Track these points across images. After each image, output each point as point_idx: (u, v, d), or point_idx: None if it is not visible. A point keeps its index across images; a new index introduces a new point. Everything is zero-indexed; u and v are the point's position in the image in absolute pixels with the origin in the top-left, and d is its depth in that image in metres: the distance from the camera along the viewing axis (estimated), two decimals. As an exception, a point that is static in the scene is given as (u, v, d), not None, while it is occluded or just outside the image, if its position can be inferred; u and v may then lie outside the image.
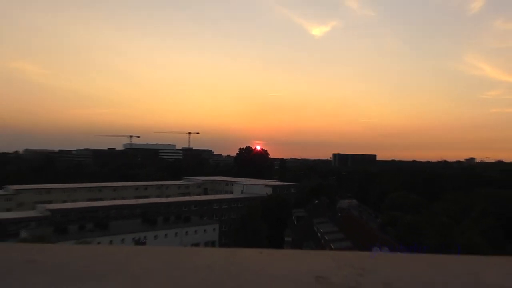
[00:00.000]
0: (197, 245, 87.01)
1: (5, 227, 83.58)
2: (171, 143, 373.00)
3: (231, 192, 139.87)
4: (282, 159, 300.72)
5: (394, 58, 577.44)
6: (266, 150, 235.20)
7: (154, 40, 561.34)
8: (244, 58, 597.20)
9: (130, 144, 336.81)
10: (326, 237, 75.54)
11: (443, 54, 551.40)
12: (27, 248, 3.66)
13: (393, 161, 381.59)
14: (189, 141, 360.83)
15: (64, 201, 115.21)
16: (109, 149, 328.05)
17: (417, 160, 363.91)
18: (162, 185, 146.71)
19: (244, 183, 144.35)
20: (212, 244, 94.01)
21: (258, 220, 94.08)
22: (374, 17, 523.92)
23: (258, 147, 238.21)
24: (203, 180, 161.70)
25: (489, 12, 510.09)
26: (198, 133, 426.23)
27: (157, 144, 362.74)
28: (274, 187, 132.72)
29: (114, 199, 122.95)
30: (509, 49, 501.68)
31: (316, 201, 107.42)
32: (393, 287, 2.36)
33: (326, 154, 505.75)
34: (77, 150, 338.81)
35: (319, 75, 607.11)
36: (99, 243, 67.67)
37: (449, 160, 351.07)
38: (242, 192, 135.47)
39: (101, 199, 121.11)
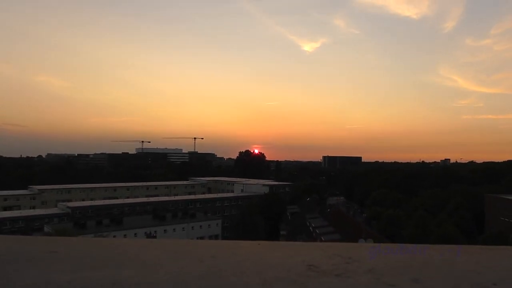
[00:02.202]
0: (202, 238, 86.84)
1: (30, 222, 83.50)
2: (178, 148, 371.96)
3: (232, 191, 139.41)
4: (277, 161, 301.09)
5: (377, 71, 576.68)
6: (263, 153, 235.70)
7: (163, 56, 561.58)
8: (243, 71, 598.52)
9: (142, 148, 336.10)
10: (317, 231, 75.47)
11: (421, 68, 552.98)
12: (50, 240, 3.67)
13: (376, 162, 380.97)
14: (194, 145, 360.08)
15: (83, 200, 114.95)
16: (123, 153, 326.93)
17: (398, 161, 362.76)
18: (170, 185, 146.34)
19: (244, 183, 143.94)
20: (215, 237, 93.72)
21: (257, 216, 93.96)
22: (359, 35, 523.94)
23: (256, 151, 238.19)
24: (207, 180, 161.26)
25: (461, 31, 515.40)
26: (202, 138, 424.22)
27: (165, 148, 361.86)
28: (270, 186, 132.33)
29: (128, 197, 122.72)
30: (478, 63, 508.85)
31: (308, 199, 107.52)
32: (375, 273, 2.37)
33: (316, 157, 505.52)
34: (94, 154, 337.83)
35: (310, 86, 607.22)
36: (114, 236, 67.50)
37: (426, 161, 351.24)
38: (242, 191, 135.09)
39: (116, 198, 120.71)
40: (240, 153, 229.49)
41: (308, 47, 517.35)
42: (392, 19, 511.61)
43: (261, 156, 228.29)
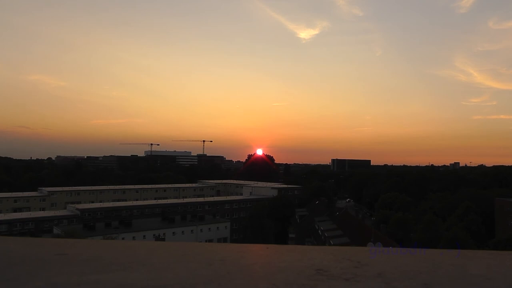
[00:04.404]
0: (210, 241, 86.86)
1: (40, 224, 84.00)
2: (187, 150, 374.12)
3: (241, 194, 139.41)
4: (286, 164, 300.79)
5: (384, 64, 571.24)
6: (272, 156, 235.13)
7: (170, 57, 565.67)
8: (249, 71, 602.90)
9: (151, 151, 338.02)
10: (326, 234, 75.17)
11: (432, 58, 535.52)
12: (59, 242, 3.68)
13: (385, 165, 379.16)
14: (203, 148, 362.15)
15: (92, 202, 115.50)
16: (132, 155, 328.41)
17: (407, 164, 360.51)
18: (179, 187, 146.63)
19: (253, 185, 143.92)
20: (224, 240, 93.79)
21: (265, 219, 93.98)
22: (366, 25, 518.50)
23: (265, 153, 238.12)
24: (216, 183, 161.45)
25: (482, 10, 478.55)
26: (211, 141, 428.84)
27: (174, 151, 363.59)
28: (279, 189, 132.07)
29: (137, 200, 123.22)
30: (498, 53, 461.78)
31: (317, 202, 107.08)
32: (385, 278, 2.36)
33: (325, 160, 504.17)
34: (103, 157, 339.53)
35: (317, 86, 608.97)
36: (123, 239, 67.72)
37: (436, 164, 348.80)
38: (250, 193, 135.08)
39: (124, 200, 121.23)
40: (249, 156, 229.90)
41: (310, 41, 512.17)
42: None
43: (269, 159, 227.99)
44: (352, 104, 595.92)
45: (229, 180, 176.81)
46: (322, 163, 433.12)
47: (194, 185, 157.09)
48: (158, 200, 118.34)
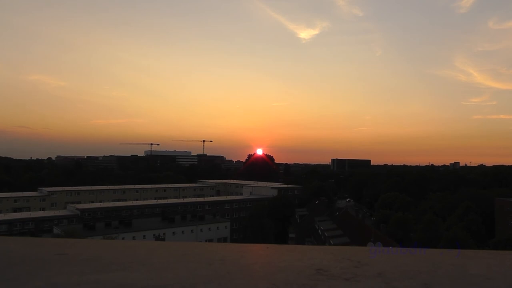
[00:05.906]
0: (210, 241, 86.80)
1: (40, 224, 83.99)
2: (187, 150, 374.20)
3: (241, 194, 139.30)
4: (286, 164, 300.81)
5: (384, 64, 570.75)
6: (272, 156, 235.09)
7: (170, 57, 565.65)
8: (248, 71, 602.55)
9: (151, 151, 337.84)
10: (326, 234, 75.12)
11: (432, 58, 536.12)
12: (59, 242, 3.68)
13: (385, 165, 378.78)
14: (203, 148, 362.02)
15: (92, 202, 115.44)
16: (132, 155, 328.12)
17: (407, 164, 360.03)
18: (179, 187, 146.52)
19: (253, 185, 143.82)
20: (224, 240, 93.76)
21: (265, 219, 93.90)
22: (366, 25, 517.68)
23: (265, 153, 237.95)
24: (216, 183, 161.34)
25: (482, 10, 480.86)
26: (211, 141, 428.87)
27: (174, 151, 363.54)
28: (279, 189, 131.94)
29: (137, 199, 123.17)
30: (498, 53, 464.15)
31: (317, 201, 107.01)
32: (385, 278, 2.35)
33: (325, 159, 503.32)
34: (103, 157, 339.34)
35: (317, 86, 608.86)
36: (123, 238, 67.68)
37: (436, 164, 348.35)
38: (250, 193, 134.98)
39: (124, 200, 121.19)
40: (249, 155, 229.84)
41: (313, 43, 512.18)
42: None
43: (269, 158, 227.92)
44: (352, 104, 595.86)
45: (229, 180, 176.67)
46: (322, 163, 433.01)
47: (194, 185, 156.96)
48: (158, 200, 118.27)
